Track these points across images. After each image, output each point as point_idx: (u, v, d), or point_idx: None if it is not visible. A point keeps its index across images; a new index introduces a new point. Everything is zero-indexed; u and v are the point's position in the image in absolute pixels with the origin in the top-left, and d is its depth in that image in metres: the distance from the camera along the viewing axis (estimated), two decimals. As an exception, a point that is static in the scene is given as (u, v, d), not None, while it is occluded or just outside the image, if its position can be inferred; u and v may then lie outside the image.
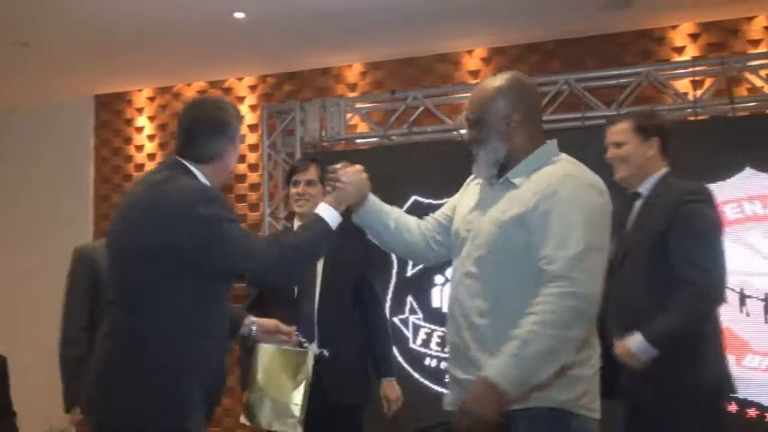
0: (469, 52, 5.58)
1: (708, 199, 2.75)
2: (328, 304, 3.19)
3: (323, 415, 2.91)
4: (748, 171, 4.34)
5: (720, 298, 2.72)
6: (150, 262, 2.12)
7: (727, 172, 4.35)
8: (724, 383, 2.75)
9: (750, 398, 4.19)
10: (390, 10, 4.81)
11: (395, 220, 2.35)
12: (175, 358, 2.11)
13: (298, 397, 2.66)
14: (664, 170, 2.85)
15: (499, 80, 2.15)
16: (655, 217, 2.75)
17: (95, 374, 2.18)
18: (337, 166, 2.32)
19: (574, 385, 1.97)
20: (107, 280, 2.33)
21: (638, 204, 2.85)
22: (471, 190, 2.25)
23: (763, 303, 4.25)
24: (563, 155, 2.15)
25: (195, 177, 2.25)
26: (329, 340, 3.14)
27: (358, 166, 2.33)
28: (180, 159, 2.28)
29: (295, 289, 3.20)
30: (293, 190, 3.26)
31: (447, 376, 2.29)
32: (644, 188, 2.85)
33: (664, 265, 2.68)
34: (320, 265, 3.20)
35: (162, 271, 2.11)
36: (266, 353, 2.74)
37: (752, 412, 4.19)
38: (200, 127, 2.27)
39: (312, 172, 3.24)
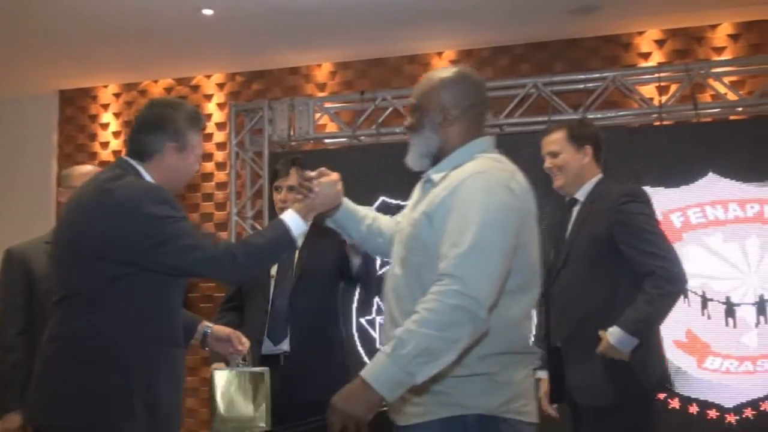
0: (439, 54, 5.60)
1: (645, 200, 2.87)
2: (301, 300, 3.15)
3: (296, 415, 2.88)
4: (711, 176, 4.42)
5: (684, 280, 2.79)
6: (99, 262, 2.09)
7: (690, 176, 4.43)
8: (664, 377, 2.86)
9: (710, 400, 4.27)
10: (360, 11, 4.80)
11: (368, 225, 2.32)
12: (123, 360, 2.08)
13: (261, 421, 2.57)
14: (598, 176, 2.97)
15: (445, 72, 2.13)
16: (594, 219, 2.85)
17: (42, 377, 2.13)
18: (313, 174, 2.26)
19: (501, 390, 1.90)
20: (48, 280, 2.28)
21: (576, 210, 2.95)
22: (416, 189, 2.21)
23: (725, 306, 4.32)
24: (489, 153, 2.04)
25: (141, 176, 2.23)
26: (300, 337, 3.11)
27: (335, 176, 2.27)
28: (127, 158, 2.27)
29: (272, 286, 3.18)
30: (276, 197, 3.25)
31: None
32: (581, 194, 2.96)
33: (606, 266, 2.78)
34: (296, 259, 3.16)
35: (111, 271, 2.09)
36: (221, 379, 2.62)
37: (713, 414, 4.26)
38: (140, 123, 2.28)
39: (293, 178, 3.20)
